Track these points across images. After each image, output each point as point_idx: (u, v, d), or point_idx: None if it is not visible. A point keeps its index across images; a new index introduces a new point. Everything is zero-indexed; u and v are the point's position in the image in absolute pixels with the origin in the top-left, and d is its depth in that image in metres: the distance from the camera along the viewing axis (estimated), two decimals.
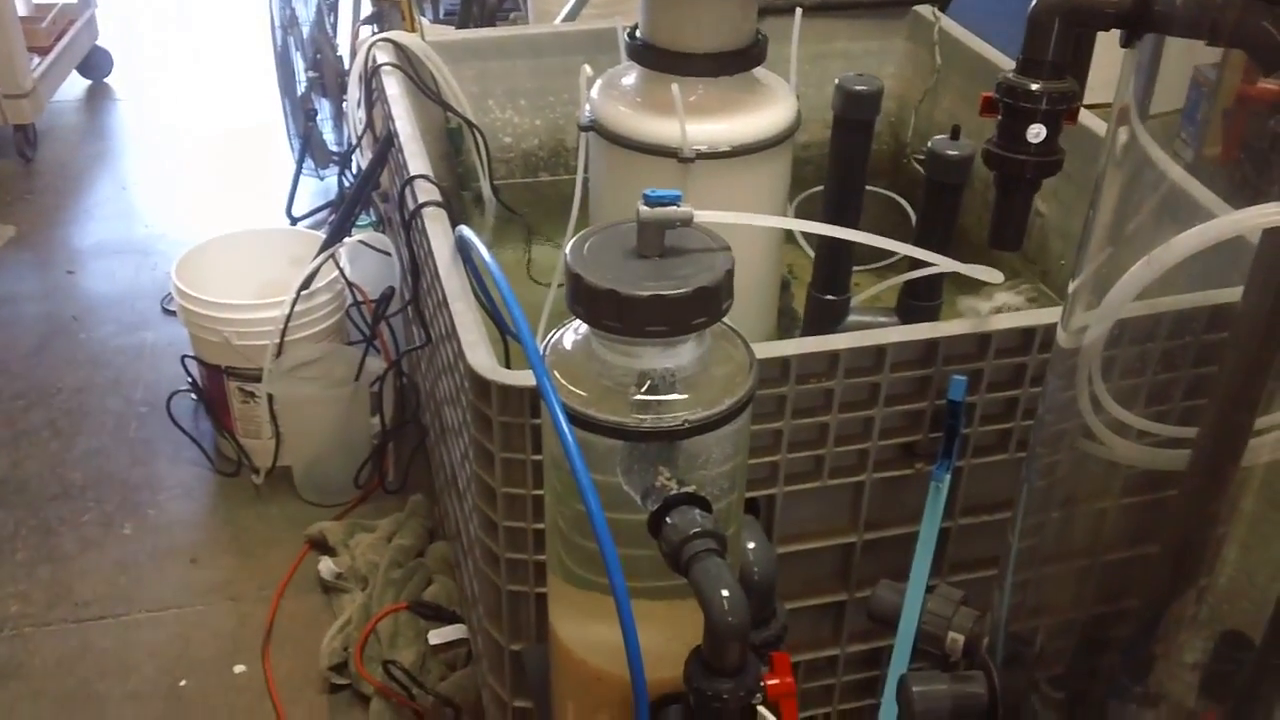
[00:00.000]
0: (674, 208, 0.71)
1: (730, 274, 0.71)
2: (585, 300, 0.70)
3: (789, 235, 1.56)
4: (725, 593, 0.67)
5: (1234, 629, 0.89)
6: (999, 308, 1.42)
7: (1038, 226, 1.47)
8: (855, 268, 1.33)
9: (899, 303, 1.28)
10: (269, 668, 1.46)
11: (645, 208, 0.71)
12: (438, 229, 1.14)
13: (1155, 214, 0.81)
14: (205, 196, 2.57)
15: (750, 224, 1.00)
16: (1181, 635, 0.89)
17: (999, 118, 0.87)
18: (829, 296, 1.29)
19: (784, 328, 1.40)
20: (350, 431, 1.68)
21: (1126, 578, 0.93)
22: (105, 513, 1.71)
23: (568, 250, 0.72)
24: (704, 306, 0.70)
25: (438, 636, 1.40)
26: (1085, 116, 1.14)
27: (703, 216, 0.74)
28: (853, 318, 1.30)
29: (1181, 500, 0.86)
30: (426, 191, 1.20)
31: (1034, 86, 0.83)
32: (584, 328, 0.75)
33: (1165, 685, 0.90)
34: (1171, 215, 0.76)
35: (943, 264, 1.08)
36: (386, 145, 1.47)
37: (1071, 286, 0.86)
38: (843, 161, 1.25)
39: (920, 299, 1.25)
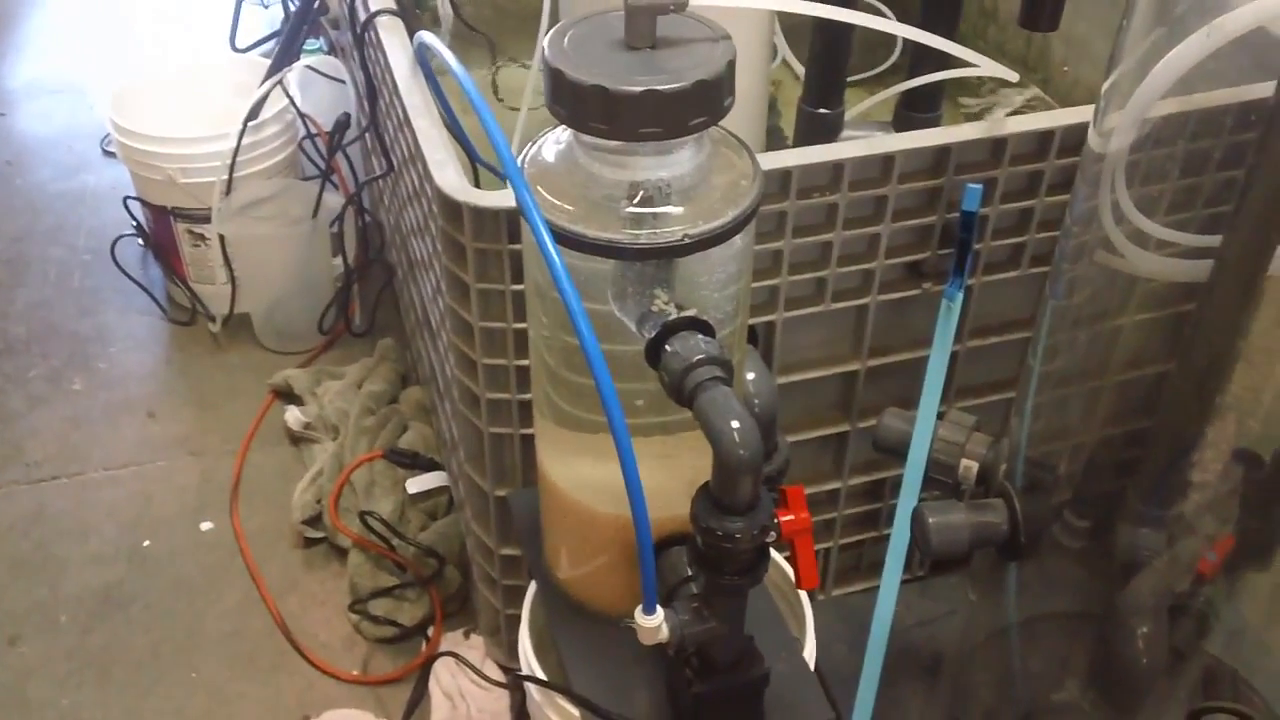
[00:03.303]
0: None
1: (732, 65, 0.62)
2: (568, 100, 0.61)
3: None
4: (736, 424, 0.60)
5: (1248, 448, 0.85)
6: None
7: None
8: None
9: (895, 115, 1.19)
10: (238, 523, 1.40)
11: None
12: (394, 40, 1.03)
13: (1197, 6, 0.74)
14: (143, 31, 2.40)
15: (750, 7, 0.89)
16: (1201, 455, 0.85)
17: None
18: (822, 110, 1.20)
19: (772, 148, 1.31)
20: (311, 272, 1.59)
21: (1151, 397, 0.88)
22: (53, 368, 1.62)
23: (545, 42, 0.63)
24: (704, 103, 0.61)
25: (416, 485, 1.34)
26: None
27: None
28: (847, 133, 1.21)
29: (1203, 312, 0.81)
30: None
31: None
32: (566, 135, 0.66)
33: (1183, 506, 0.86)
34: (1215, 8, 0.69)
35: (966, 56, 0.98)
36: None
37: (1105, 84, 0.79)
38: None
39: (919, 110, 1.16)
